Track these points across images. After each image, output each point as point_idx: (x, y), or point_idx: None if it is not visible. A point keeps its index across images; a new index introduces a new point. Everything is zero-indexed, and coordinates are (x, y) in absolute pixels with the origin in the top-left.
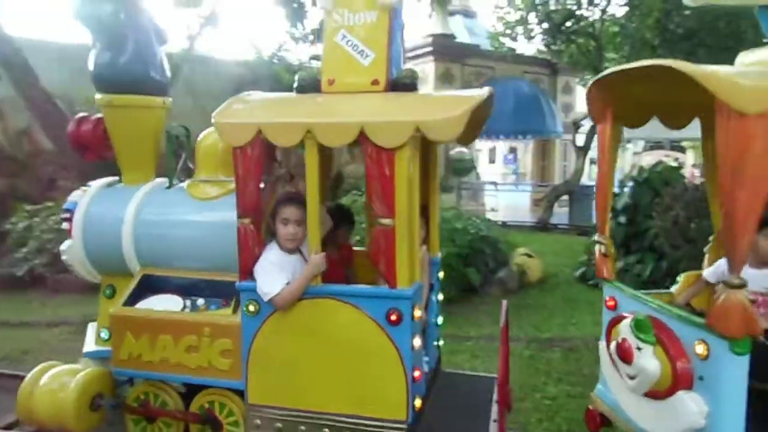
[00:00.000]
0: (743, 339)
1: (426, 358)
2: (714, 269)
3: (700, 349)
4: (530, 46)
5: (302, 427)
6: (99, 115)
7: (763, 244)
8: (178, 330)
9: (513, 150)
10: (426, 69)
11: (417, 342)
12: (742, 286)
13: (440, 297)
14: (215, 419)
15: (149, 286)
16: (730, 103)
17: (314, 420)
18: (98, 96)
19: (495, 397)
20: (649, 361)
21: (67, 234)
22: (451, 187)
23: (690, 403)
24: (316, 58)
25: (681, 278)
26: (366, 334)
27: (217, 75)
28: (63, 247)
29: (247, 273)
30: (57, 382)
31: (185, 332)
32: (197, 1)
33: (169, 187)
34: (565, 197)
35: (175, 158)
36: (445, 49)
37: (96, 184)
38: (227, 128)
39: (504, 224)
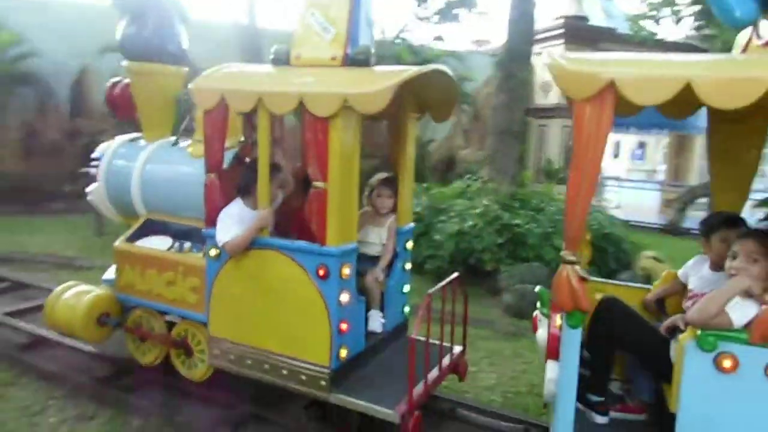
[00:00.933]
0: (573, 312)
1: (382, 320)
2: (683, 268)
3: (557, 320)
4: (675, 31)
5: (248, 361)
6: (127, 81)
7: (715, 246)
8: (160, 266)
9: (642, 145)
10: (554, 53)
11: (344, 297)
12: (573, 262)
13: (408, 266)
14: (188, 346)
15: (152, 228)
16: (563, 91)
17: (257, 356)
18: (124, 63)
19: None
20: (541, 331)
21: (94, 178)
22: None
23: (548, 371)
24: (439, 38)
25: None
26: (298, 285)
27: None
28: (89, 189)
29: (212, 221)
30: (75, 298)
31: (165, 268)
32: None
33: (174, 145)
34: (704, 200)
35: (181, 121)
36: (577, 31)
37: (120, 138)
38: (197, 94)
39: (627, 224)
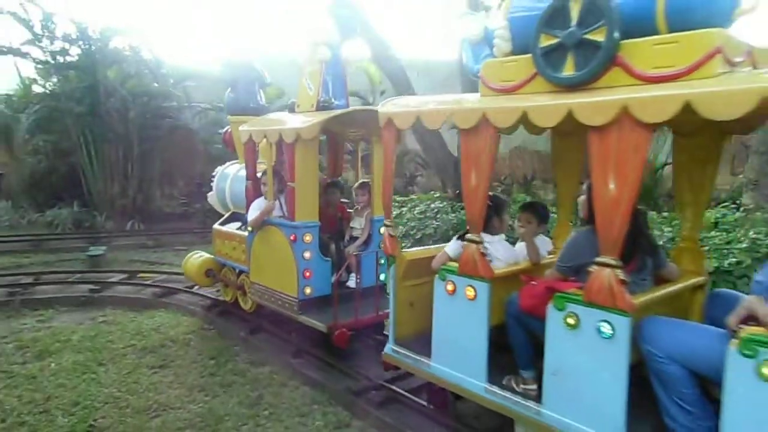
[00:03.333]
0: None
1: (357, 280)
2: None
3: None
4: None
5: (265, 296)
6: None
7: (517, 226)
8: (231, 239)
9: None
10: None
11: (307, 254)
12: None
13: None
14: (244, 289)
15: (234, 217)
16: None
17: (268, 292)
18: (228, 117)
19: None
20: None
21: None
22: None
23: None
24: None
25: None
26: (282, 246)
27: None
28: (208, 194)
29: (248, 209)
30: (194, 259)
31: (232, 240)
32: None
33: None
34: None
35: None
36: None
37: (228, 163)
38: (241, 134)
39: None
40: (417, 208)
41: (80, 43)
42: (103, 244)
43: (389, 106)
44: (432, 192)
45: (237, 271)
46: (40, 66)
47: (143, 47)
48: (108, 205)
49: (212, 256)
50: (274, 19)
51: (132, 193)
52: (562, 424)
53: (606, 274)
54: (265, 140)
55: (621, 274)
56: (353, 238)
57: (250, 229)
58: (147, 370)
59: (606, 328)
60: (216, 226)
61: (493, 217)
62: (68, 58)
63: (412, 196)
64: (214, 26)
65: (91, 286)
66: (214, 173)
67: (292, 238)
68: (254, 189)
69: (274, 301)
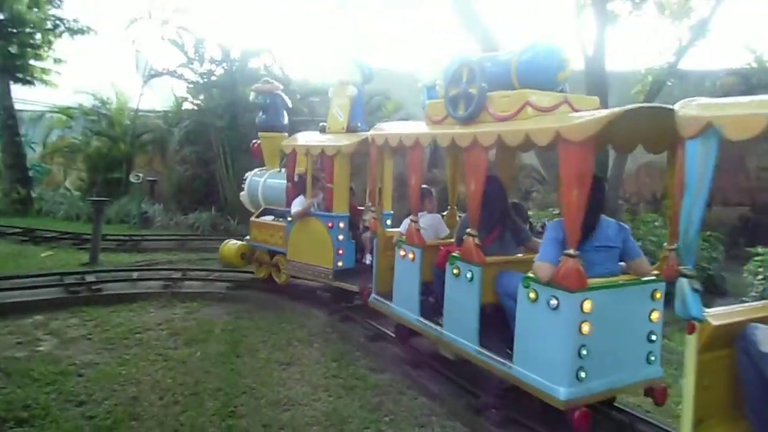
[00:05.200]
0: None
1: (370, 257)
2: None
3: None
4: None
5: (302, 269)
6: (259, 141)
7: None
8: (268, 228)
9: None
10: None
11: (340, 237)
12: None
13: None
14: (278, 266)
15: (266, 212)
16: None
17: (305, 266)
18: (259, 133)
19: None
20: None
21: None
22: None
23: None
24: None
25: None
26: (321, 231)
27: (698, 88)
28: (240, 194)
29: (288, 205)
30: (231, 245)
31: (271, 229)
32: (685, 11)
33: (279, 171)
34: None
35: (281, 160)
36: None
37: (255, 170)
38: (283, 148)
39: None
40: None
41: (224, 64)
42: None
43: (373, 131)
44: (550, 209)
45: (271, 252)
46: (191, 85)
47: (275, 66)
48: (240, 210)
49: (245, 243)
50: (394, 38)
51: None
52: (447, 336)
53: (469, 240)
54: (306, 153)
55: (477, 241)
56: (366, 228)
57: (290, 219)
58: (277, 366)
59: (469, 275)
60: (253, 218)
61: (425, 201)
62: (213, 78)
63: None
64: (338, 44)
65: (228, 285)
66: (245, 177)
67: (329, 225)
68: (294, 189)
69: (310, 273)
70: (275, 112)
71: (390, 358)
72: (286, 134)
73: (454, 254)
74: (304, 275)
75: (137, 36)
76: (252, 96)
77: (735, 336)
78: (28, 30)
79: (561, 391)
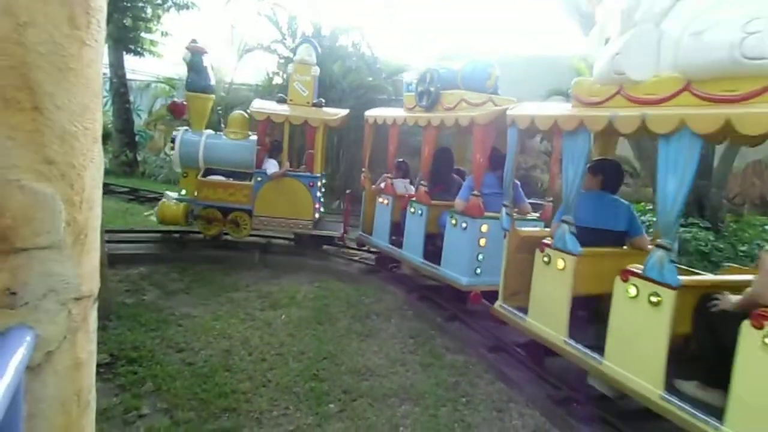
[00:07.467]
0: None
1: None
2: None
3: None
4: None
5: (272, 223)
6: (184, 101)
7: None
8: (225, 186)
9: None
10: None
11: (318, 194)
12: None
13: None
14: (238, 222)
15: (212, 172)
16: None
17: (276, 220)
18: (186, 92)
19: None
20: None
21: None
22: None
23: None
24: None
25: None
26: (301, 189)
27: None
28: (170, 152)
29: (258, 166)
30: (175, 206)
31: (229, 188)
32: None
33: (217, 132)
34: None
35: (218, 123)
36: None
37: (182, 129)
38: (257, 114)
39: None
40: None
41: (314, 40)
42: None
43: (367, 113)
44: (643, 204)
45: (225, 210)
46: (282, 61)
47: (363, 44)
48: None
49: (186, 203)
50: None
51: (340, 177)
52: (406, 255)
53: (421, 189)
54: (285, 121)
55: (425, 188)
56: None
57: (259, 179)
58: (356, 336)
59: (420, 212)
60: (200, 178)
61: (400, 169)
62: None
63: None
64: (424, 24)
65: (306, 257)
66: (173, 136)
67: (310, 184)
68: (262, 153)
69: (284, 226)
70: (205, 73)
71: (467, 340)
72: (213, 96)
73: (412, 199)
74: (274, 228)
75: (234, 12)
76: (183, 54)
77: (535, 244)
78: (140, 4)
79: (464, 280)
